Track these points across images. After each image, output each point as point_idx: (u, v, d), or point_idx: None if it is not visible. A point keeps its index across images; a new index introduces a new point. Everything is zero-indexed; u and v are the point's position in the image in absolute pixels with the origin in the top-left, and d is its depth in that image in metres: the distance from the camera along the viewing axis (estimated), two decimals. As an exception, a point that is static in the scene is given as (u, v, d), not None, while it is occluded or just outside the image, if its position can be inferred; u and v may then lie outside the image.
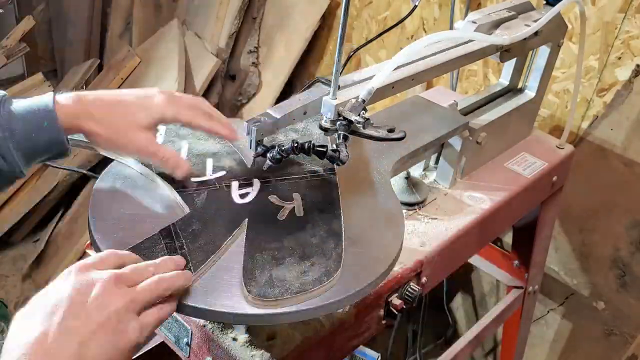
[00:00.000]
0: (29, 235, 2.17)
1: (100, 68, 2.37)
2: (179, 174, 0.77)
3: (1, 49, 2.03)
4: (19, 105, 0.71)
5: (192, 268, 0.65)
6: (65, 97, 0.72)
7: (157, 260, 0.63)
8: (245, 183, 0.80)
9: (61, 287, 0.57)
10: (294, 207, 0.77)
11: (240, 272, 0.66)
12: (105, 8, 2.43)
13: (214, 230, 0.71)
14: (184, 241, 0.69)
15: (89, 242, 0.74)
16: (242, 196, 0.78)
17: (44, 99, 0.71)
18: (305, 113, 0.78)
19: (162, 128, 0.90)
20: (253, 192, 0.79)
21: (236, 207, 0.76)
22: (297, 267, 0.67)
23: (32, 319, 0.55)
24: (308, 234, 0.72)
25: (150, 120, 0.75)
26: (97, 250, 0.69)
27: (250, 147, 0.79)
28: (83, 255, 1.89)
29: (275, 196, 0.78)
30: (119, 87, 2.11)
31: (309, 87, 0.82)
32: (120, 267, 0.61)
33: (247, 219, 0.74)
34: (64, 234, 2.01)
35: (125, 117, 0.74)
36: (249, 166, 0.84)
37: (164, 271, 0.62)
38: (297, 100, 0.78)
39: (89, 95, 0.74)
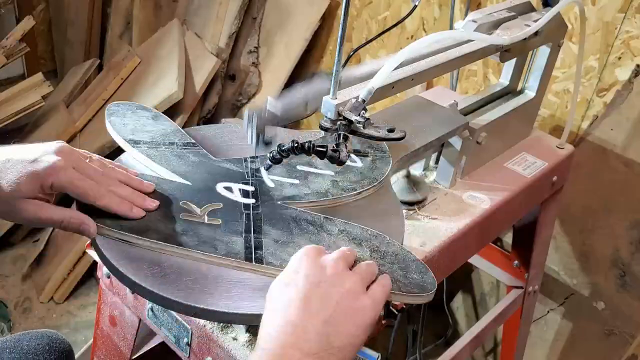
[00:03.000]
0: (29, 235, 2.17)
1: (100, 68, 2.37)
2: (87, 234, 0.69)
3: (1, 49, 2.03)
4: None
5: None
6: None
7: (345, 248, 0.68)
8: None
9: (299, 268, 0.62)
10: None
11: None
12: (105, 8, 2.43)
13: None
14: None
15: (89, 242, 0.74)
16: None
17: None
18: (306, 104, 0.78)
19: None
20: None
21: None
22: None
23: (277, 308, 0.60)
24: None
25: (33, 192, 0.66)
26: (97, 250, 0.69)
27: (251, 139, 0.79)
28: (83, 255, 1.89)
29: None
30: (118, 88, 2.11)
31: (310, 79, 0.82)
32: None
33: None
34: (64, 234, 2.01)
35: (6, 191, 0.65)
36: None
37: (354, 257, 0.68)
38: (299, 91, 0.78)
39: None
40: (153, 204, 0.74)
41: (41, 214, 0.67)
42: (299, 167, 0.86)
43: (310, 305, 0.58)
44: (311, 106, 0.79)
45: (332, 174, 0.84)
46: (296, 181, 0.83)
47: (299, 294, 0.59)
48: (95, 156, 0.75)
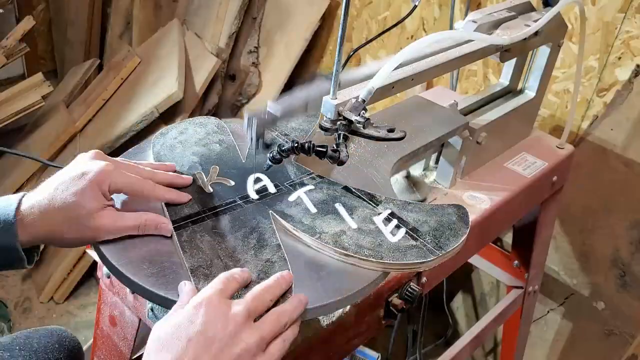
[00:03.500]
0: (29, 235, 2.17)
1: (100, 68, 2.37)
2: (165, 232, 0.71)
3: (1, 49, 2.03)
4: None
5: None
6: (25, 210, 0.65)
7: (270, 281, 0.63)
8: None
9: (195, 320, 0.57)
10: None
11: None
12: (105, 8, 2.43)
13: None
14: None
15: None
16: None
17: (8, 202, 0.65)
18: (306, 107, 0.78)
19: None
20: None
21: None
22: None
23: (167, 352, 0.56)
24: None
25: (98, 201, 0.67)
26: (97, 250, 0.69)
27: (251, 142, 0.79)
28: (83, 255, 1.89)
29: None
30: (118, 88, 2.11)
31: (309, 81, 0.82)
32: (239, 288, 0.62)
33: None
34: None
35: (75, 214, 0.66)
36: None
37: (279, 292, 0.63)
38: (299, 93, 0.78)
39: (36, 206, 0.66)
40: (189, 180, 0.78)
41: (119, 223, 0.68)
42: (336, 206, 0.79)
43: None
44: (311, 109, 0.79)
45: (355, 227, 0.75)
46: (315, 210, 0.78)
47: (186, 353, 0.55)
48: (124, 159, 0.77)
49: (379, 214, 0.77)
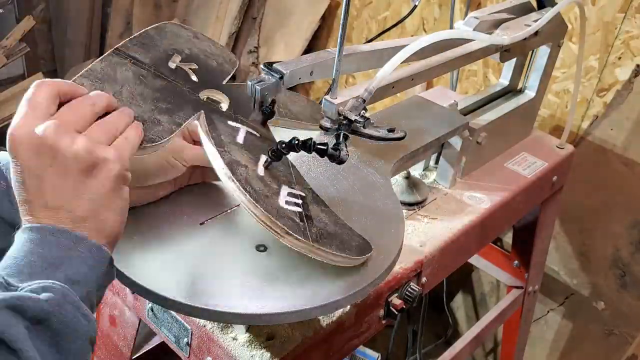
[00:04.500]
0: (29, 235, 2.17)
1: (100, 68, 2.37)
2: None
3: (1, 49, 2.03)
4: None
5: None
6: None
7: (94, 95, 0.59)
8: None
9: (15, 162, 0.53)
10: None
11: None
12: (105, 8, 2.43)
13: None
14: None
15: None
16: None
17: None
18: (311, 73, 0.78)
19: None
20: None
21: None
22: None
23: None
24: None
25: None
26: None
27: (254, 108, 0.77)
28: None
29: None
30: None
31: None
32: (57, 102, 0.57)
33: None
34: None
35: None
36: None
37: (102, 108, 0.59)
38: (305, 59, 0.78)
39: None
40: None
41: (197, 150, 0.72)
42: (262, 155, 0.74)
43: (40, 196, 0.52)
44: (316, 76, 0.78)
45: (261, 175, 0.72)
46: (241, 143, 0.74)
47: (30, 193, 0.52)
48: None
49: (292, 188, 0.72)
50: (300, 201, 0.70)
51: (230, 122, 0.75)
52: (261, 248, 0.71)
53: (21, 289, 0.48)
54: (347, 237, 0.70)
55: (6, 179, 0.62)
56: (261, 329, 0.76)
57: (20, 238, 0.52)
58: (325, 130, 0.77)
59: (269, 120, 0.80)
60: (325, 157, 0.73)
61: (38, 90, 0.56)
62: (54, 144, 0.52)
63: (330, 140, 0.76)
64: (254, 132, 0.77)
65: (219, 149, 0.68)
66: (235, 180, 0.65)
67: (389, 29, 0.96)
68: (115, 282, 0.86)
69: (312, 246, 0.65)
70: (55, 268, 0.50)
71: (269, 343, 0.75)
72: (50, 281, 0.49)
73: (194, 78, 0.78)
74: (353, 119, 0.74)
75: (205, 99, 0.76)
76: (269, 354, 0.74)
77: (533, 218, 1.30)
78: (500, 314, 1.38)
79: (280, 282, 0.67)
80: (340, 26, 0.71)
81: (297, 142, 0.77)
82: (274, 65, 0.75)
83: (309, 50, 2.03)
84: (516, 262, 1.41)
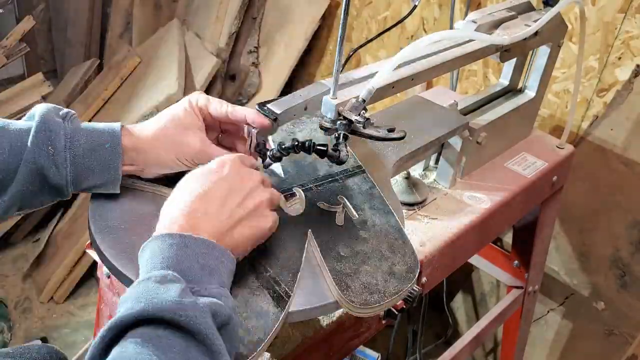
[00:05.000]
0: (29, 235, 2.17)
1: (100, 68, 2.37)
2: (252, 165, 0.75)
3: (1, 49, 2.03)
4: (87, 124, 0.72)
5: (285, 294, 0.66)
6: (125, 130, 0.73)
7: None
8: (289, 193, 0.80)
9: (220, 171, 0.66)
10: (345, 211, 0.78)
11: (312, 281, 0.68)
12: (105, 8, 2.43)
13: (286, 246, 0.72)
14: (264, 265, 0.69)
15: (89, 242, 0.74)
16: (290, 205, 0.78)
17: (112, 124, 0.72)
18: (305, 108, 0.78)
19: None
20: (300, 201, 0.79)
21: (293, 219, 0.76)
22: (381, 269, 0.69)
23: (194, 184, 0.64)
24: (373, 235, 0.74)
25: (196, 120, 0.74)
26: (97, 249, 0.69)
27: (250, 147, 0.79)
28: (83, 255, 1.89)
29: (322, 202, 0.79)
30: (118, 88, 2.11)
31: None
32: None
33: (309, 230, 0.74)
34: (64, 233, 2.01)
35: (173, 128, 0.73)
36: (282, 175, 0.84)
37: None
38: (298, 96, 0.78)
39: (136, 128, 0.74)
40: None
41: (206, 147, 0.74)
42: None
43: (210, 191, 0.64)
44: (310, 111, 0.79)
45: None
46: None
47: (212, 189, 0.64)
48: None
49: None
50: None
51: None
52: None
53: (206, 295, 0.56)
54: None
55: (55, 145, 0.68)
56: (261, 329, 0.76)
57: (169, 242, 0.59)
58: (325, 130, 0.77)
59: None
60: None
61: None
62: (255, 184, 0.67)
63: (330, 141, 0.76)
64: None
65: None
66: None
67: (389, 29, 0.96)
68: (115, 282, 0.87)
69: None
70: (210, 276, 0.59)
71: (269, 343, 0.75)
72: (215, 285, 0.58)
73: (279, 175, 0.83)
74: (353, 119, 0.74)
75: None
76: (269, 354, 0.74)
77: (533, 218, 1.30)
78: (500, 314, 1.38)
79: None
80: (340, 26, 0.71)
81: (297, 143, 0.77)
82: (268, 106, 0.76)
83: (309, 50, 2.03)
84: (516, 262, 1.41)
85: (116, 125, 0.71)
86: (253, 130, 0.77)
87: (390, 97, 0.86)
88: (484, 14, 1.01)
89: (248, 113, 0.76)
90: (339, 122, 0.76)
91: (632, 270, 1.42)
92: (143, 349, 0.48)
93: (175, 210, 0.62)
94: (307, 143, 0.77)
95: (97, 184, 0.71)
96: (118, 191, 0.73)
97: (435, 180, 1.07)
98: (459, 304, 1.88)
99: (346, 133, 0.76)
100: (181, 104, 0.75)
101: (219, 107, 0.76)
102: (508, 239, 1.57)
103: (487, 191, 1.05)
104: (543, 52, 1.14)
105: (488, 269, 1.50)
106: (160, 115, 0.75)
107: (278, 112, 0.75)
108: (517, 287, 1.43)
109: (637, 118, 1.32)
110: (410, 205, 0.98)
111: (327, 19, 1.99)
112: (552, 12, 1.00)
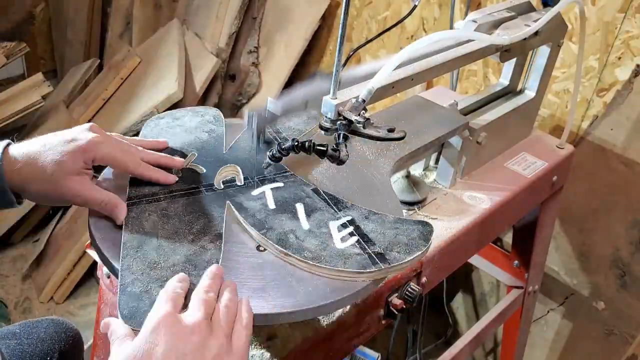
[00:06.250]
0: (29, 235, 2.17)
1: (100, 68, 2.37)
2: (116, 218, 0.72)
3: (1, 49, 2.03)
4: None
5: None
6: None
7: (207, 280, 0.63)
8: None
9: (158, 342, 0.55)
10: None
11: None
12: (105, 8, 2.43)
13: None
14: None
15: (89, 242, 0.74)
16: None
17: None
18: (306, 105, 0.79)
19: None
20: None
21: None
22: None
23: None
24: None
25: (76, 166, 0.70)
26: (97, 250, 0.69)
27: (252, 140, 0.80)
28: (83, 255, 1.89)
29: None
30: (118, 88, 2.11)
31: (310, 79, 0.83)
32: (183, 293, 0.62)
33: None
34: (64, 234, 2.01)
35: (52, 169, 0.68)
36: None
37: (218, 287, 0.63)
38: (299, 92, 0.79)
39: (20, 151, 0.69)
40: (181, 165, 0.81)
41: (85, 192, 0.71)
42: (297, 205, 0.78)
43: None
44: (311, 107, 0.79)
45: (307, 228, 0.74)
46: (274, 206, 0.78)
47: None
48: (118, 135, 0.79)
49: (338, 219, 0.75)
50: (351, 228, 0.73)
51: (254, 192, 0.79)
52: (261, 248, 0.72)
53: None
54: (405, 232, 0.73)
55: None
56: (261, 329, 0.76)
57: None
58: (325, 130, 0.77)
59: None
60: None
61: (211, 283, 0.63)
62: (202, 335, 0.56)
63: (330, 141, 0.76)
64: (279, 184, 0.81)
65: (261, 232, 0.72)
66: (291, 255, 0.69)
67: (389, 29, 0.96)
68: (115, 282, 0.86)
69: (385, 270, 0.68)
70: None
71: (269, 343, 0.75)
72: None
73: (201, 170, 0.83)
74: (353, 119, 0.74)
75: (223, 188, 0.80)
76: (269, 354, 0.74)
77: (533, 218, 1.29)
78: (500, 314, 1.38)
79: (280, 282, 0.67)
80: (340, 26, 0.71)
81: (296, 143, 0.77)
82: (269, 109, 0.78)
83: (309, 50, 2.02)
84: (516, 262, 1.41)
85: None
86: (254, 115, 0.78)
87: (390, 97, 0.86)
88: (484, 14, 1.01)
89: (153, 175, 0.76)
90: (339, 122, 0.76)
91: (632, 270, 1.42)
92: None
93: None
94: (306, 143, 0.77)
95: None
96: (20, 206, 0.71)
97: (435, 180, 1.07)
98: (459, 304, 1.88)
99: (346, 133, 0.76)
100: (72, 147, 0.70)
101: (122, 164, 0.74)
102: (508, 239, 1.57)
103: (487, 191, 1.05)
104: (543, 52, 1.14)
105: (488, 269, 1.50)
106: (46, 148, 0.70)
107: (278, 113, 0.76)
108: (517, 287, 1.43)
109: (637, 118, 1.32)
110: (410, 204, 0.98)
111: (327, 19, 1.99)
112: (552, 12, 1.00)
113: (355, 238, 0.72)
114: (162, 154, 0.82)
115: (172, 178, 0.78)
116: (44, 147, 0.70)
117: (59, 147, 0.70)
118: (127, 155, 0.75)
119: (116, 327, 0.60)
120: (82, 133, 0.72)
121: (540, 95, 1.20)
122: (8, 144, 0.70)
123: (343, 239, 0.72)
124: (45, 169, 0.68)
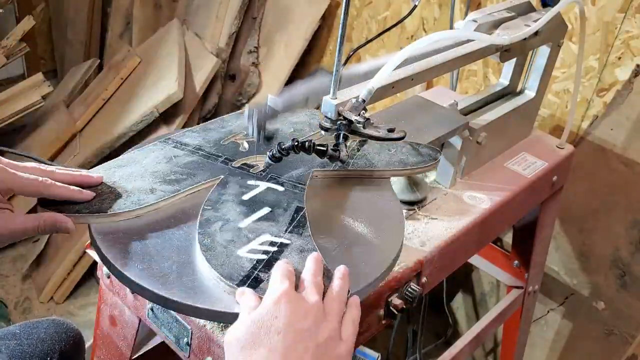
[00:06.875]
0: (29, 235, 2.17)
1: (100, 68, 2.37)
2: (66, 230, 0.70)
3: (1, 49, 2.03)
4: None
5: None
6: None
7: (312, 264, 0.65)
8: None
9: (278, 314, 0.58)
10: None
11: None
12: (105, 8, 2.43)
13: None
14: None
15: (89, 242, 0.74)
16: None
17: None
18: (307, 101, 0.79)
19: None
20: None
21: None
22: None
23: (259, 347, 0.57)
24: None
25: None
26: (97, 250, 0.69)
27: (252, 134, 0.81)
28: (83, 255, 1.89)
29: None
30: (118, 88, 2.11)
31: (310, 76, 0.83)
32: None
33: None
34: (64, 234, 2.01)
35: None
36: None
37: (321, 272, 0.65)
38: (299, 87, 0.79)
39: None
40: (99, 179, 0.76)
41: (13, 224, 0.66)
42: (264, 208, 0.78)
43: (289, 354, 0.56)
44: (311, 103, 0.79)
45: (243, 226, 0.74)
46: (247, 199, 0.79)
47: (283, 344, 0.56)
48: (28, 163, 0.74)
49: (275, 235, 0.72)
50: (273, 248, 0.70)
51: (251, 181, 0.81)
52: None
53: None
54: None
55: None
56: (261, 329, 0.76)
57: None
58: (325, 130, 0.77)
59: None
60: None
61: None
62: (319, 315, 0.60)
63: (330, 141, 0.76)
64: (277, 187, 0.81)
65: (204, 207, 0.74)
66: (197, 240, 0.70)
67: (389, 29, 0.96)
68: (115, 282, 0.87)
69: (231, 289, 0.65)
70: None
71: (269, 343, 0.75)
72: None
73: (243, 147, 0.87)
74: (353, 119, 0.74)
75: (239, 165, 0.83)
76: (269, 354, 0.74)
77: (533, 218, 1.29)
78: (500, 314, 1.38)
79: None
80: (340, 26, 0.72)
81: (297, 143, 0.77)
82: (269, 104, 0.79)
83: (309, 50, 2.02)
84: (516, 262, 1.41)
85: None
86: (255, 111, 0.79)
87: (390, 97, 0.86)
88: (484, 14, 1.01)
89: (64, 193, 0.71)
90: (339, 122, 0.76)
91: (632, 270, 1.42)
92: None
93: None
94: (306, 143, 0.77)
95: None
96: None
97: (435, 180, 1.07)
98: (459, 304, 1.88)
99: (346, 133, 0.76)
100: None
101: (33, 189, 0.69)
102: (508, 239, 1.57)
103: (487, 191, 1.05)
104: (543, 52, 1.14)
105: (488, 269, 1.50)
106: None
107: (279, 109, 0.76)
108: (517, 287, 1.43)
109: (637, 118, 1.32)
110: (410, 204, 0.98)
111: (327, 19, 1.99)
112: (552, 12, 1.00)
113: (262, 256, 0.69)
114: (78, 171, 0.76)
115: (87, 195, 0.73)
116: None
117: None
118: (32, 180, 0.69)
119: (249, 298, 0.62)
120: None
121: (540, 95, 1.20)
122: None
123: (252, 251, 0.69)
124: None
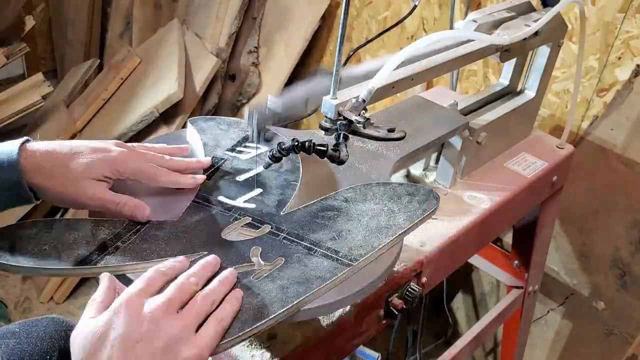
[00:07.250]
0: (29, 235, 2.17)
1: (100, 68, 2.37)
2: (140, 217, 0.72)
3: (1, 49, 2.03)
4: None
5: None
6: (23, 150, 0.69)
7: (195, 268, 0.63)
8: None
9: (115, 324, 0.56)
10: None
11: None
12: (105, 8, 2.43)
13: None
14: None
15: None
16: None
17: (10, 144, 0.69)
18: (307, 103, 0.79)
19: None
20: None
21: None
22: None
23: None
24: None
25: (103, 173, 0.71)
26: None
27: (252, 137, 0.80)
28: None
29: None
30: (118, 88, 2.11)
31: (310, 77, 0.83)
32: (168, 283, 0.61)
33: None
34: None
35: (76, 170, 0.70)
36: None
37: (206, 277, 0.63)
38: (299, 89, 0.79)
39: (42, 148, 0.70)
40: (208, 162, 0.83)
41: (104, 194, 0.71)
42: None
43: None
44: (311, 104, 0.79)
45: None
46: (242, 179, 0.82)
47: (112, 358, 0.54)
48: (141, 145, 0.81)
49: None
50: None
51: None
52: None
53: None
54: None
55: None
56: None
57: None
58: (325, 130, 0.77)
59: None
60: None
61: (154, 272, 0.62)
62: (155, 320, 0.56)
63: (330, 141, 0.76)
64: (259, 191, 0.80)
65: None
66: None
67: (389, 29, 0.96)
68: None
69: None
70: None
71: (269, 343, 0.75)
72: None
73: None
74: (353, 120, 0.74)
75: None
76: (269, 354, 0.74)
77: (533, 218, 1.30)
78: (500, 314, 1.38)
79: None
80: (340, 26, 0.72)
81: (297, 143, 0.77)
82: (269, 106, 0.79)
83: (309, 50, 2.02)
84: (516, 262, 1.41)
85: (14, 147, 0.68)
86: (255, 113, 0.78)
87: (390, 97, 0.86)
88: (484, 14, 1.01)
89: (181, 181, 0.77)
90: (339, 122, 0.76)
91: (632, 270, 1.42)
92: None
93: None
94: (306, 143, 0.77)
95: (12, 202, 0.70)
96: (38, 201, 0.71)
97: (435, 180, 1.07)
98: (459, 304, 1.88)
99: (346, 133, 0.76)
100: (102, 156, 0.71)
101: (151, 176, 0.75)
102: (508, 239, 1.57)
103: (487, 191, 1.05)
104: (543, 52, 1.14)
105: (488, 269, 1.50)
106: (74, 151, 0.71)
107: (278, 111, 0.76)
108: (517, 287, 1.43)
109: (637, 118, 1.32)
110: (410, 205, 0.98)
111: (327, 19, 1.99)
112: (552, 12, 1.00)
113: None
114: (189, 159, 0.82)
115: (200, 178, 0.78)
116: (70, 150, 0.71)
117: (90, 154, 0.71)
118: (153, 168, 0.75)
119: (98, 292, 0.62)
120: (112, 147, 0.74)
121: (540, 95, 1.20)
122: (27, 140, 0.71)
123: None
124: (70, 169, 0.69)
